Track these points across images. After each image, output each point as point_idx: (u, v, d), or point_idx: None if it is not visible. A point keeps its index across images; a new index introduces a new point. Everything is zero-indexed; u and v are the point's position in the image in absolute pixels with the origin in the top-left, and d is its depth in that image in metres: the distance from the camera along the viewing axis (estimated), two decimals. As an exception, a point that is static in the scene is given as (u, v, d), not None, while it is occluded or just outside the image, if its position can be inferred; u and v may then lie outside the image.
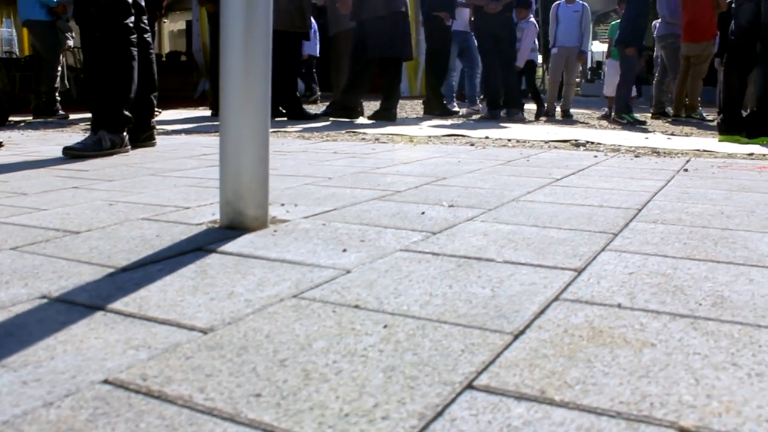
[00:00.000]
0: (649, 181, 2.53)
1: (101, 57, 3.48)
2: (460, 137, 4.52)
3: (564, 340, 0.94)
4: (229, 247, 1.49)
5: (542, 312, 1.05)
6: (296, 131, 5.03)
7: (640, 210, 1.93)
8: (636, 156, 3.47)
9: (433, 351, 0.90)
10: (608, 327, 0.99)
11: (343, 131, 5.03)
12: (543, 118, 7.96)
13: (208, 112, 7.49)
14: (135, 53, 3.57)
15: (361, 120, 6.58)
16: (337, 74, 7.36)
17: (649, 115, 8.67)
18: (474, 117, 7.70)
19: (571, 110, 8.64)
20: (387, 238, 1.57)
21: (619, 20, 8.45)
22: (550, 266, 1.32)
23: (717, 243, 1.54)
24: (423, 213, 1.85)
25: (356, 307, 1.08)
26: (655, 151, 3.72)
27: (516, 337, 0.95)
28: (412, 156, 3.35)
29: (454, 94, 8.81)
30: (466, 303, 1.10)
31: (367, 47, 6.45)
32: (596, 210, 1.92)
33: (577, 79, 19.96)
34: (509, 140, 4.29)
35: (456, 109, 8.37)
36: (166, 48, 18.46)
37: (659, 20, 8.74)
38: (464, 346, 0.91)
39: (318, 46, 10.71)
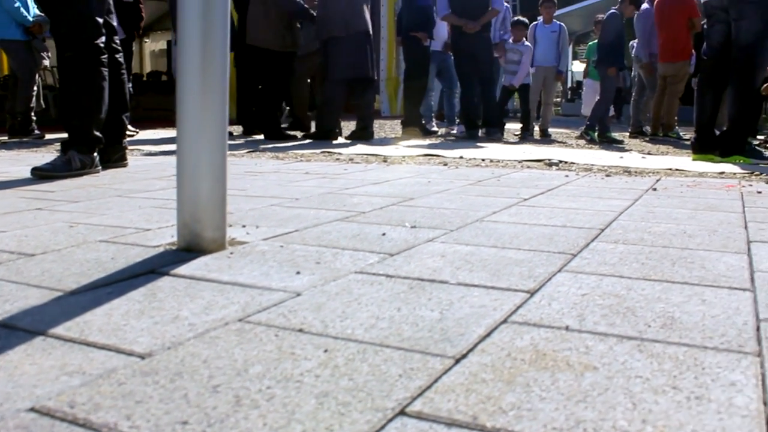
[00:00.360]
0: (617, 201, 2.53)
1: (71, 77, 3.47)
2: (434, 157, 4.52)
3: (505, 364, 0.92)
4: (182, 269, 1.47)
5: (488, 335, 1.04)
6: (272, 151, 5.02)
7: (602, 230, 1.93)
8: (607, 175, 3.48)
9: (370, 376, 0.88)
10: (552, 350, 0.98)
11: (319, 151, 5.02)
12: (519, 137, 8.00)
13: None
14: (106, 73, 3.55)
15: (340, 140, 6.58)
16: (297, 97, 7.42)
17: (627, 134, 8.74)
18: (452, 137, 7.72)
19: (550, 130, 8.68)
20: (343, 260, 1.55)
21: (596, 41, 8.54)
22: (503, 288, 1.31)
23: (675, 263, 1.54)
24: (384, 234, 1.84)
25: (300, 330, 1.06)
26: (627, 171, 3.73)
27: (457, 361, 0.93)
28: (383, 176, 3.34)
29: (433, 114, 8.83)
30: (412, 326, 1.08)
31: (330, 68, 6.48)
32: (559, 230, 1.92)
33: (558, 99, 20.12)
34: (483, 160, 4.29)
35: (435, 129, 8.39)
36: (147, 67, 18.42)
37: (637, 40, 8.84)
38: (403, 370, 0.90)
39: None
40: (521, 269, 1.46)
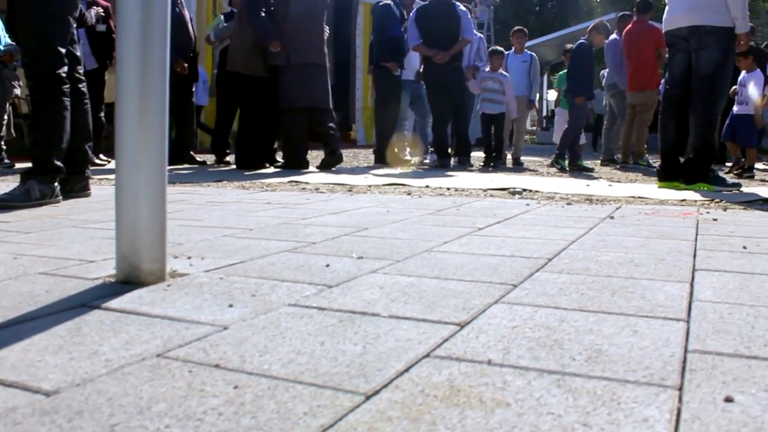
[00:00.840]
0: (571, 230, 2.53)
1: (34, 106, 3.45)
2: (400, 186, 4.51)
3: (416, 400, 0.91)
4: (114, 303, 1.44)
5: (406, 370, 1.02)
6: (240, 180, 4.99)
7: (550, 259, 1.93)
8: (568, 204, 3.49)
9: (274, 414, 0.86)
10: (468, 386, 0.96)
11: (287, 180, 5.00)
12: (492, 166, 8.02)
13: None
14: (67, 103, 3.53)
15: (311, 169, 6.57)
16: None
17: (599, 161, 8.82)
18: (425, 166, 7.74)
19: (523, 158, 8.73)
20: (280, 292, 1.53)
21: (566, 70, 8.63)
22: (434, 321, 1.29)
23: (615, 293, 1.53)
24: (328, 265, 1.82)
25: (216, 366, 1.04)
26: (589, 199, 3.75)
27: (368, 398, 0.91)
28: (343, 206, 3.33)
29: (406, 143, 8.86)
30: (331, 361, 1.06)
31: (282, 97, 6.50)
32: (506, 260, 1.91)
33: (533, 128, 20.29)
34: (448, 189, 4.29)
35: (407, 157, 8.41)
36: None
37: (607, 70, 8.96)
38: (309, 408, 0.87)
39: (207, 95, 10.66)
40: (457, 301, 1.44)
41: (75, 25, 3.61)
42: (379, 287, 1.57)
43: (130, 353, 1.11)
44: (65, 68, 3.50)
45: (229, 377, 0.99)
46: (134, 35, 1.60)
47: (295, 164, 6.59)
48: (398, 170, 6.74)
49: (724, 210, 3.36)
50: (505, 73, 8.34)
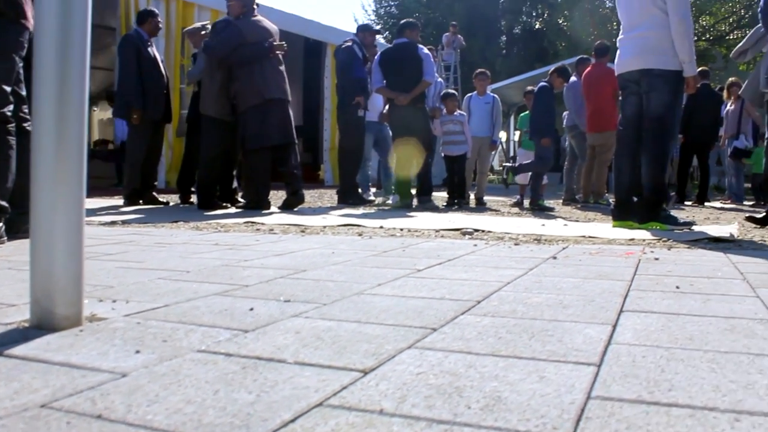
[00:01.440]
0: (510, 271, 2.53)
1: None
2: (354, 227, 4.50)
3: (292, 452, 0.88)
4: (19, 349, 1.40)
5: (292, 420, 1.00)
6: (196, 221, 4.95)
7: (479, 302, 1.92)
8: (516, 244, 3.50)
9: (138, 469, 0.83)
10: (351, 435, 0.94)
11: (243, 221, 4.97)
12: (455, 206, 8.06)
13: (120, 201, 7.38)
14: (13, 142, 3.49)
15: (273, 209, 6.54)
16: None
17: (561, 201, 8.90)
18: (387, 206, 7.76)
19: (487, 198, 8.79)
20: (193, 337, 1.50)
21: (528, 112, 8.75)
22: (339, 367, 1.27)
23: (533, 336, 1.52)
24: (251, 309, 1.80)
25: (99, 417, 1.01)
26: (538, 239, 3.76)
27: (243, 449, 0.89)
28: (290, 247, 3.31)
29: (369, 184, 8.88)
30: (219, 411, 1.03)
31: (247, 138, 6.51)
32: (434, 303, 1.90)
33: (501, 167, 20.44)
34: (402, 230, 4.29)
35: (371, 198, 8.43)
36: (95, 136, 18.33)
37: (568, 111, 9.10)
38: (177, 462, 0.85)
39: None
40: (369, 346, 1.42)
41: (21, 65, 3.58)
42: (295, 332, 1.54)
43: (14, 403, 1.07)
44: (10, 107, 3.47)
45: (107, 429, 0.96)
46: (50, 79, 1.59)
47: (257, 204, 6.57)
48: (360, 210, 6.74)
49: (669, 249, 3.39)
50: (462, 113, 8.44)
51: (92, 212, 5.78)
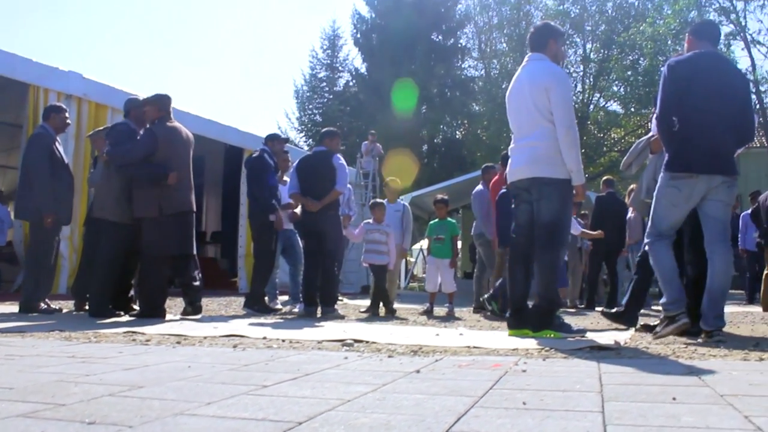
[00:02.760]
0: (361, 387, 2.41)
1: None
2: (236, 337, 4.34)
3: None
4: None
5: None
6: (74, 330, 4.70)
7: (300, 423, 1.79)
8: (390, 356, 3.40)
9: None
10: None
11: (123, 330, 4.73)
12: (366, 314, 7.96)
13: (15, 308, 7.01)
14: None
15: (169, 317, 6.32)
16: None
17: (471, 309, 8.88)
18: (293, 314, 7.60)
19: (400, 306, 8.72)
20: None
21: (437, 219, 8.79)
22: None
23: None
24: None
25: None
26: (415, 350, 3.67)
27: None
28: (149, 360, 3.13)
29: (277, 291, 8.73)
30: None
31: (146, 245, 6.38)
32: (250, 425, 1.77)
33: (425, 274, 20.52)
34: (283, 341, 4.14)
35: (278, 306, 8.26)
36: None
37: (476, 219, 9.21)
38: None
39: (5, 235, 10.41)
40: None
41: None
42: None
43: None
44: None
45: None
46: None
47: (151, 313, 6.33)
48: (261, 319, 6.58)
49: (544, 360, 3.34)
50: (388, 224, 8.48)
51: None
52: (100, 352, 3.45)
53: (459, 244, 21.61)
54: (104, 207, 6.59)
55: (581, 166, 4.90)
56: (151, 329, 4.85)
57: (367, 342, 4.07)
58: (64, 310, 7.14)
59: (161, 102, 6.70)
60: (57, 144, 7.13)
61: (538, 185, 4.85)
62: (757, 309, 10.14)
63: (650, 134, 5.45)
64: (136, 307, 6.76)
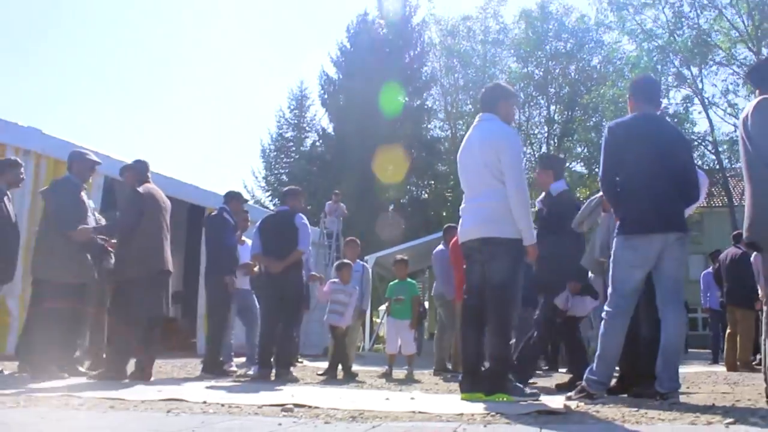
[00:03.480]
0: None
1: None
2: (175, 401, 4.17)
3: None
4: None
5: None
6: (6, 391, 4.50)
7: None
8: (326, 422, 3.27)
9: None
10: None
11: (59, 394, 4.53)
12: (323, 377, 7.80)
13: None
14: None
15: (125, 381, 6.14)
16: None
17: (432, 371, 8.74)
18: (247, 377, 7.41)
19: (361, 368, 8.55)
20: None
21: (397, 280, 8.71)
22: None
23: None
24: None
25: None
26: (355, 416, 3.54)
27: None
28: (73, 426, 2.98)
29: (232, 353, 8.52)
30: None
31: (117, 308, 6.25)
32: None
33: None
34: (222, 405, 3.98)
35: (233, 368, 8.06)
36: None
37: (436, 280, 9.15)
38: None
39: None
40: None
41: None
42: None
43: None
44: None
45: None
46: None
47: (112, 374, 6.16)
48: (213, 382, 6.40)
49: (485, 426, 3.23)
50: (354, 286, 8.39)
51: None
52: (23, 418, 3.28)
53: (426, 304, 21.40)
54: (39, 266, 6.47)
55: (532, 226, 4.87)
56: (88, 393, 4.65)
57: (309, 407, 3.93)
58: (6, 372, 6.88)
59: (139, 168, 6.91)
60: (6, 199, 6.98)
61: (489, 245, 4.81)
62: (722, 369, 10.12)
63: (601, 193, 5.47)
64: (82, 369, 6.57)
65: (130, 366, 6.36)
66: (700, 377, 7.81)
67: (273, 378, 7.06)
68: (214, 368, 7.53)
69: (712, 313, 12.81)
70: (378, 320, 24.50)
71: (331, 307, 8.21)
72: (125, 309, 6.31)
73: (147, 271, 6.42)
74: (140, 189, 6.69)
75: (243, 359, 8.95)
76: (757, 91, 4.63)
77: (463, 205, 5.16)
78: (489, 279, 4.82)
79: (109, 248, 7.04)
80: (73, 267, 6.40)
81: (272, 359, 7.21)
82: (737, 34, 21.87)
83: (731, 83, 22.29)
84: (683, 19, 22.27)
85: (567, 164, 31.81)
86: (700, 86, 22.83)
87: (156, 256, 6.53)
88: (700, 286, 12.78)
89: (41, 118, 79.32)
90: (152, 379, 6.37)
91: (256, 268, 8.21)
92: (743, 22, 21.61)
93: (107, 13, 60.32)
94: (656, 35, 22.35)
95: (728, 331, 10.07)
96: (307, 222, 7.76)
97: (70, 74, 61.41)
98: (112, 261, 6.96)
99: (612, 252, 4.79)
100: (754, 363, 9.65)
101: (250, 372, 7.85)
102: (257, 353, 7.57)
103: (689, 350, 19.26)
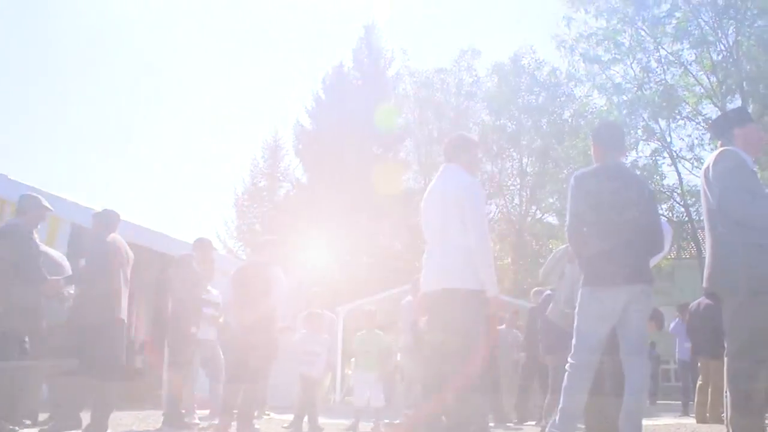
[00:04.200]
0: None
1: None
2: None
3: None
4: None
5: None
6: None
7: None
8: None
9: None
10: None
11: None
12: (289, 429, 7.66)
13: None
14: None
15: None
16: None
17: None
18: (210, 428, 7.26)
19: (329, 420, 8.41)
20: None
21: (364, 331, 8.63)
22: None
23: None
24: None
25: None
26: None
27: None
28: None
29: (195, 405, 8.35)
30: None
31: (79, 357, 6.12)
32: None
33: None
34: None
35: (196, 421, 7.89)
36: None
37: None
38: None
39: None
40: None
41: None
42: None
43: None
44: None
45: None
46: None
47: (62, 426, 6.02)
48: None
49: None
50: (327, 336, 8.32)
51: None
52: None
53: (398, 356, 21.17)
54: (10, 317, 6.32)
55: (494, 277, 4.83)
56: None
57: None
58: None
59: (109, 218, 6.92)
60: None
61: (450, 296, 4.76)
62: (691, 421, 10.04)
63: (567, 244, 5.48)
64: (27, 421, 6.41)
65: (86, 418, 6.19)
66: (670, 430, 7.76)
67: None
68: (175, 420, 7.36)
69: (682, 364, 12.79)
70: (349, 372, 24.22)
71: (302, 358, 8.11)
72: (81, 357, 6.13)
73: (104, 318, 6.31)
74: (108, 239, 6.67)
75: (207, 412, 8.76)
76: (719, 144, 4.70)
77: (425, 256, 5.12)
78: (450, 330, 4.76)
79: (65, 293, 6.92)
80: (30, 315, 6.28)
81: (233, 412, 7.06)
82: (702, 90, 22.29)
83: (696, 138, 22.67)
84: (650, 74, 22.69)
85: (540, 215, 32.10)
86: (668, 139, 23.19)
87: (114, 304, 6.44)
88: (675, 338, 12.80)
89: (10, 164, 78.58)
90: (108, 431, 6.21)
91: (221, 319, 8.12)
92: (707, 78, 22.07)
93: (80, 57, 60.07)
94: (625, 89, 22.72)
95: (699, 382, 10.03)
96: (282, 275, 7.63)
97: (41, 119, 60.93)
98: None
99: (577, 304, 4.75)
100: (723, 415, 9.59)
101: (215, 422, 7.68)
102: (221, 404, 7.42)
103: (659, 402, 19.18)
